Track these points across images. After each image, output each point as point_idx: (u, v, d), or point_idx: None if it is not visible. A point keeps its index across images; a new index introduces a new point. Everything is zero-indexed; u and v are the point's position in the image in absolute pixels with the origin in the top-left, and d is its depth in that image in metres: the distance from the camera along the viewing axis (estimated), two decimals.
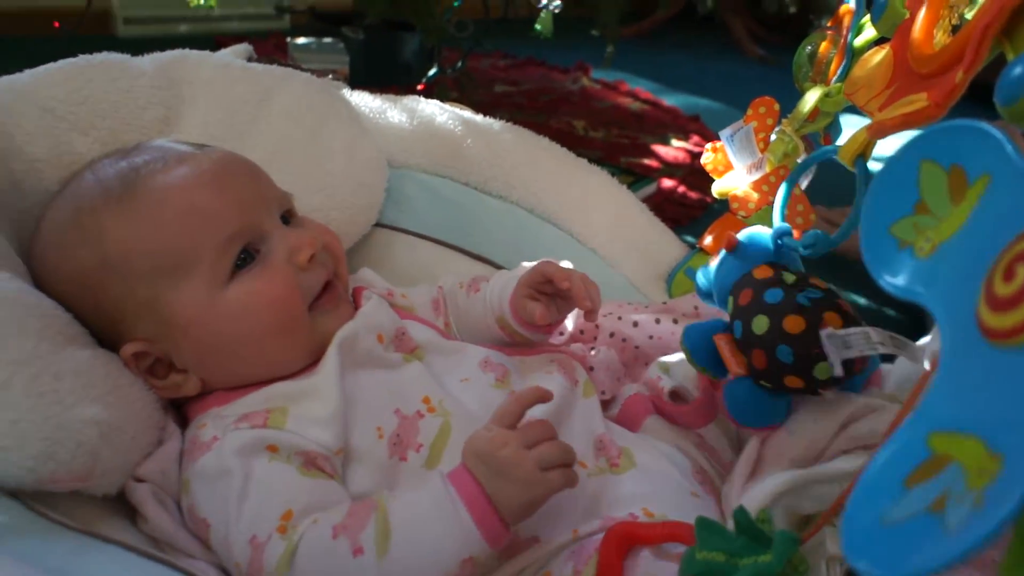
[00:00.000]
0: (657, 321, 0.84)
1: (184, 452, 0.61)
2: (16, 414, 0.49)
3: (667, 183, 1.65)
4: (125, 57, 0.79)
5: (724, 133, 0.83)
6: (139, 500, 0.57)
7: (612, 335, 0.83)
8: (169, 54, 0.82)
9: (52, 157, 0.71)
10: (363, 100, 0.95)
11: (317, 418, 0.59)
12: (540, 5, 1.34)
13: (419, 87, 1.65)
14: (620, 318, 0.84)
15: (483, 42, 1.72)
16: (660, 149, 1.84)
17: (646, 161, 1.78)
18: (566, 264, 0.80)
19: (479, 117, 0.97)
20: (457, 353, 0.70)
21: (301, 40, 1.75)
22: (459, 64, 2.00)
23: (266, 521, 0.54)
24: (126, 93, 0.77)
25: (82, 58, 0.76)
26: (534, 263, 0.73)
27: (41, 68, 0.74)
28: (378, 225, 0.90)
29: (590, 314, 0.68)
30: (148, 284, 0.61)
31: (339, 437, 0.59)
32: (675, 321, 0.84)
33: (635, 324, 0.84)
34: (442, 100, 1.97)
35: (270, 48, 2.11)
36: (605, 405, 0.71)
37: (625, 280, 0.93)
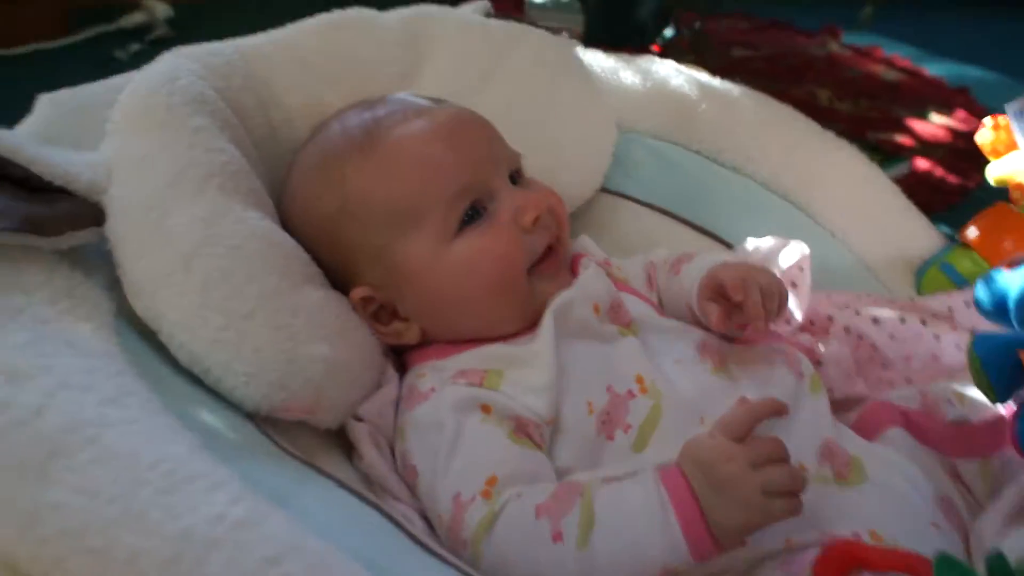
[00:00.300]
0: (902, 320, 0.75)
1: (401, 398, 0.63)
2: (258, 343, 0.53)
3: (922, 164, 1.48)
4: (375, 13, 0.82)
5: (1011, 107, 0.72)
6: (357, 438, 0.60)
7: (847, 330, 0.75)
8: (413, 10, 0.84)
9: (304, 107, 0.75)
10: (596, 59, 0.93)
11: (532, 385, 0.58)
12: None
13: (654, 48, 1.59)
14: (858, 312, 0.76)
15: (723, 2, 1.63)
16: (916, 125, 1.66)
17: (898, 138, 1.60)
18: (795, 247, 0.74)
19: (716, 81, 0.91)
20: (673, 332, 0.66)
21: None
22: (696, 25, 1.91)
23: (472, 482, 0.54)
24: (374, 49, 0.80)
25: (337, 13, 0.80)
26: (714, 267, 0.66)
27: (301, 22, 0.79)
28: (603, 190, 0.88)
29: (756, 328, 0.61)
30: (381, 232, 0.63)
31: (551, 407, 0.58)
32: (923, 322, 0.75)
33: (875, 321, 0.75)
34: (679, 62, 1.89)
35: (507, 4, 2.14)
36: (834, 406, 0.64)
37: (866, 269, 0.84)
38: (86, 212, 0.53)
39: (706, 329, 0.66)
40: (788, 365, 0.65)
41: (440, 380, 0.60)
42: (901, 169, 1.42)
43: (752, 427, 0.52)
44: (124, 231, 0.53)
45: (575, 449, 0.58)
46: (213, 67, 0.69)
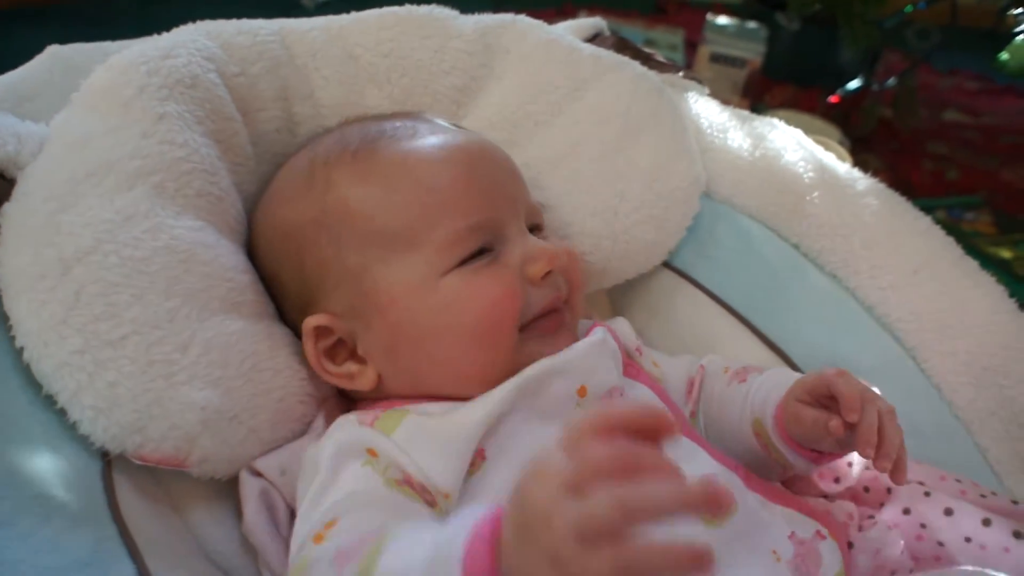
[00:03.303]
0: (986, 523, 0.57)
1: None
2: (117, 376, 0.46)
3: None
4: (451, 14, 0.73)
5: None
6: (244, 496, 0.52)
7: (907, 512, 0.58)
8: (499, 18, 0.74)
9: (339, 106, 0.68)
10: (708, 111, 0.78)
11: (438, 437, 0.49)
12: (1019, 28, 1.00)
13: (832, 99, 1.38)
14: (928, 494, 0.59)
15: (936, 55, 1.39)
16: None
17: None
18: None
19: (843, 167, 0.74)
20: (676, 450, 0.53)
21: (723, 20, 1.57)
22: (908, 76, 1.66)
23: (316, 525, 0.45)
24: (434, 53, 0.70)
25: (406, 8, 0.71)
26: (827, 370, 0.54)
27: (364, 12, 0.71)
28: (666, 266, 0.74)
29: (878, 464, 0.50)
30: (360, 251, 0.55)
31: (457, 476, 0.48)
32: (1017, 535, 0.56)
33: (948, 512, 0.57)
34: (867, 116, 1.66)
35: (689, 19, 1.96)
36: None
37: (974, 448, 0.65)
38: None
39: (735, 463, 0.56)
40: (800, 551, 0.51)
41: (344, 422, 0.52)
42: None
43: (593, 437, 0.33)
44: (14, 217, 0.47)
45: None
46: (234, 48, 0.63)
